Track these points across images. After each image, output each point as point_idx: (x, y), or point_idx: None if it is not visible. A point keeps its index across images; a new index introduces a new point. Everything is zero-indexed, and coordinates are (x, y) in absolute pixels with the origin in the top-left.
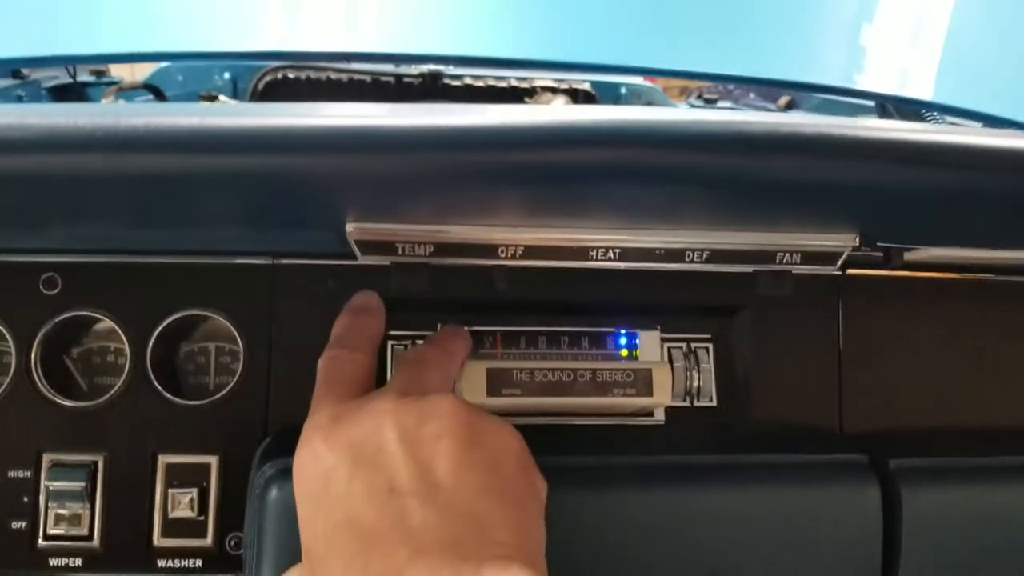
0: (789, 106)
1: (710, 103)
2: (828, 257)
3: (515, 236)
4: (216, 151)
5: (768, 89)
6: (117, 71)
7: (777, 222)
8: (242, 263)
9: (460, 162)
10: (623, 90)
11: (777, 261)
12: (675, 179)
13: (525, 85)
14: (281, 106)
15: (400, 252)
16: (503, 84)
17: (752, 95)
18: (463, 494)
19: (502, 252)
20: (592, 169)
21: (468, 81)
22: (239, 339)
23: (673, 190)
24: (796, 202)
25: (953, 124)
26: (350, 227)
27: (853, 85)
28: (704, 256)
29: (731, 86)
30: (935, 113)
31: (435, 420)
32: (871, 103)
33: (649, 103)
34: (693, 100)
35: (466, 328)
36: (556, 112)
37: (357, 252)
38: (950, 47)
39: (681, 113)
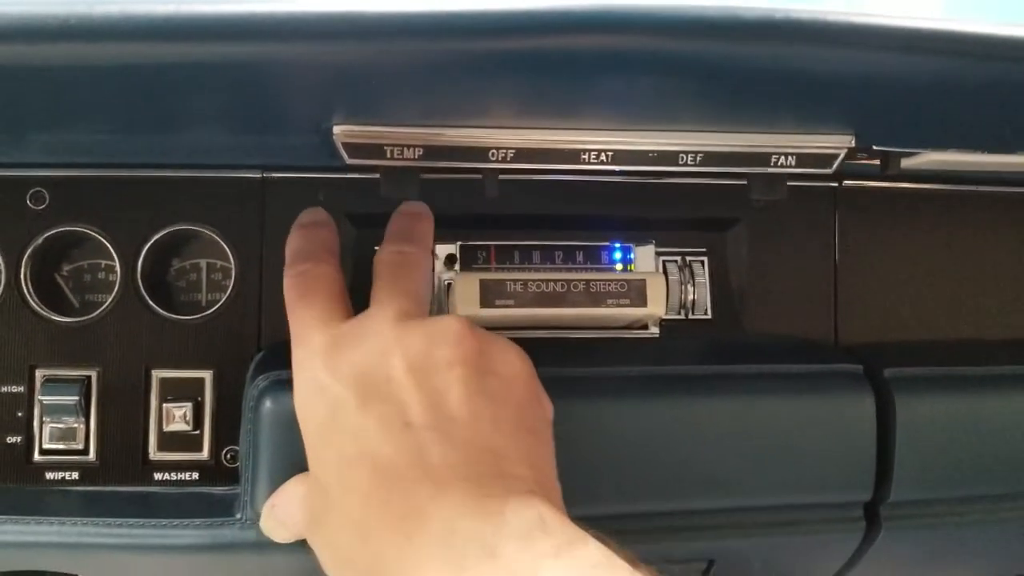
0: None
1: None
2: (824, 159)
3: (506, 137)
4: (195, 39)
5: None
6: None
7: (771, 121)
8: (231, 176)
9: (446, 49)
10: None
11: (772, 164)
12: (668, 67)
13: None
14: None
15: (389, 156)
16: None
17: None
18: (479, 427)
19: (493, 155)
20: (581, 56)
21: None
22: (230, 254)
23: (666, 80)
24: (791, 96)
25: None
26: (337, 129)
27: None
28: (698, 159)
29: None
30: None
31: (444, 347)
32: None
33: None
34: None
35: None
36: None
37: (345, 156)
38: None
39: None
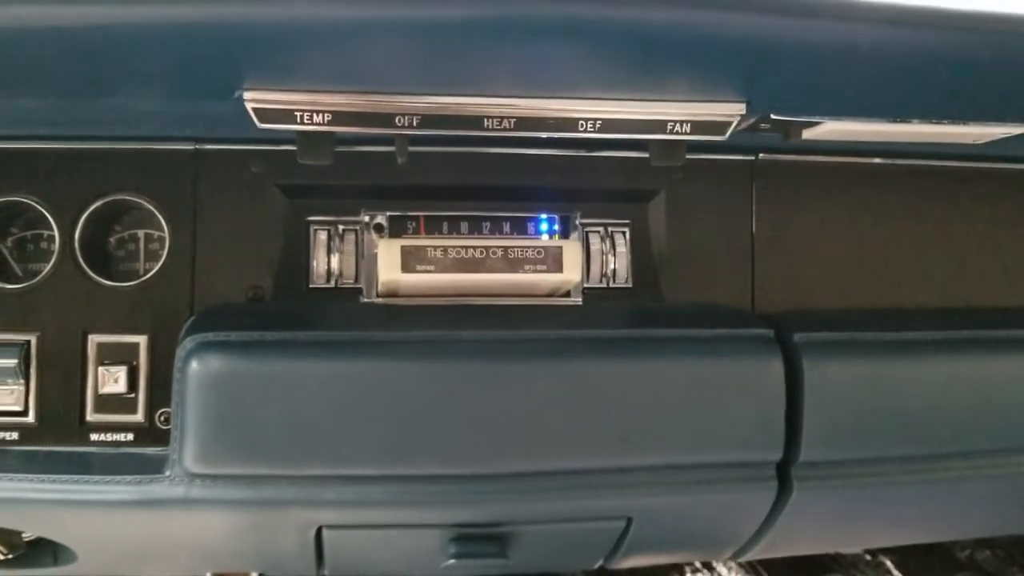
0: None
1: None
2: (717, 127)
3: (410, 102)
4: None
5: None
6: None
7: (666, 88)
8: (166, 148)
9: (352, 16)
10: None
11: (668, 131)
12: (567, 31)
13: None
14: None
15: (299, 120)
16: None
17: None
18: None
19: (399, 121)
20: (485, 22)
21: None
22: (163, 223)
23: (565, 45)
24: (682, 61)
25: None
26: (247, 95)
27: None
28: (597, 125)
29: None
30: None
31: None
32: None
33: None
34: None
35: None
36: None
37: (256, 120)
38: None
39: None
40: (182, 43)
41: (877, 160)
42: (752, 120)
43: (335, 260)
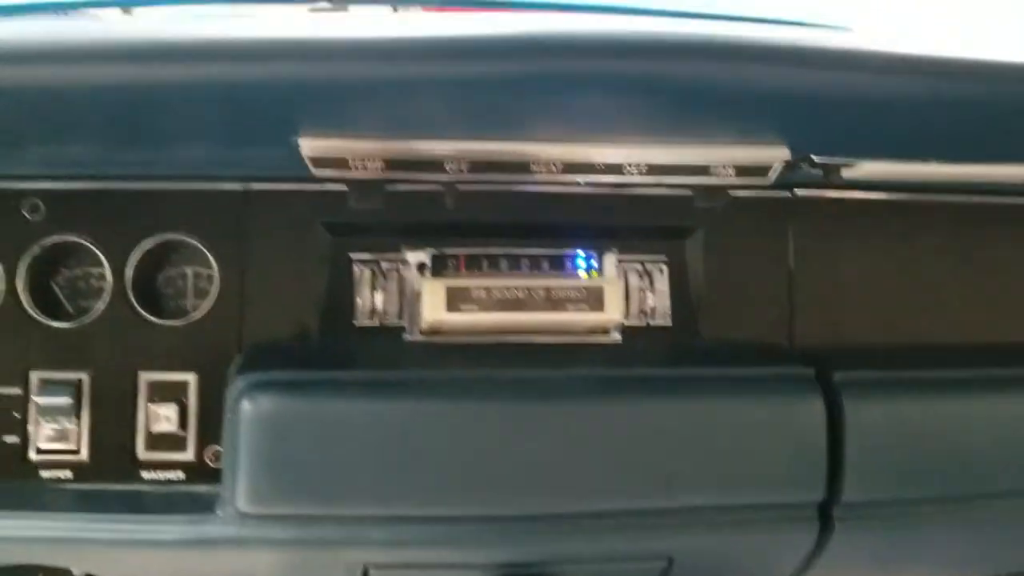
0: None
1: None
2: (760, 170)
3: (461, 149)
4: (173, 61)
5: None
6: None
7: (709, 134)
8: (215, 188)
9: (409, 74)
10: None
11: (712, 174)
12: (616, 86)
13: None
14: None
15: (352, 167)
16: None
17: None
18: None
19: (450, 167)
20: (537, 77)
21: None
22: (213, 262)
23: (613, 96)
24: (726, 110)
25: None
26: (303, 142)
27: None
28: (643, 169)
29: None
30: None
31: None
32: None
33: None
34: None
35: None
36: (484, 24)
37: (311, 167)
38: None
39: (608, 22)
40: (242, 99)
41: (916, 196)
42: (794, 162)
43: (379, 298)
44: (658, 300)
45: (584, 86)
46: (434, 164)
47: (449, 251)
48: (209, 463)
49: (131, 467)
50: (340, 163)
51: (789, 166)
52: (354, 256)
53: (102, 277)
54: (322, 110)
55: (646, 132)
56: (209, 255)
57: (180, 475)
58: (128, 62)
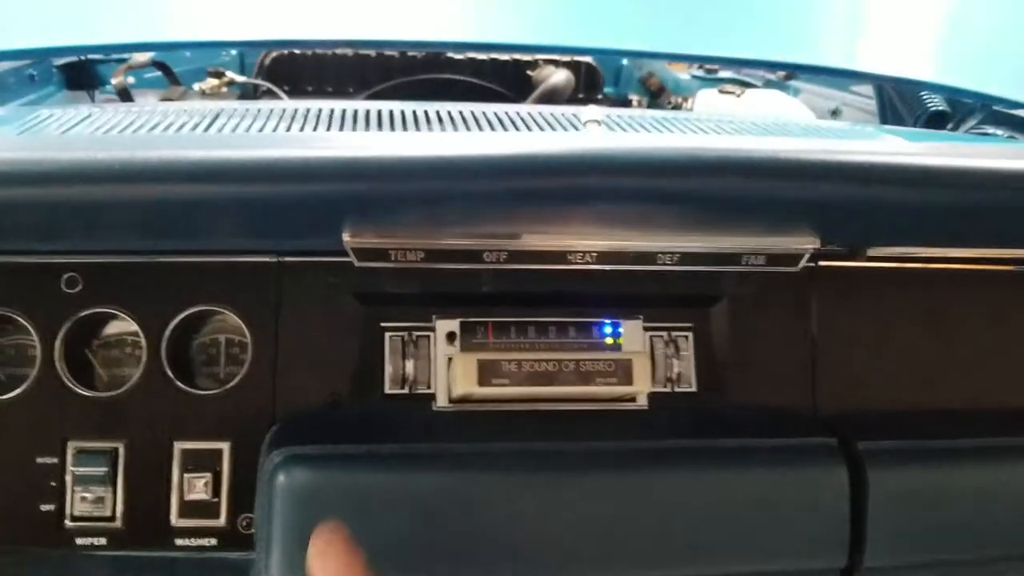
0: (788, 78)
1: (711, 72)
2: (790, 259)
3: (499, 243)
4: (221, 180)
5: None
6: None
7: (740, 229)
8: (249, 261)
9: (440, 189)
10: (624, 61)
11: (742, 263)
12: (645, 198)
13: (527, 58)
14: (280, 136)
15: (393, 259)
16: (505, 58)
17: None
18: None
19: (487, 257)
20: (556, 192)
21: (471, 55)
22: (247, 332)
23: (643, 207)
24: (754, 214)
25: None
26: (347, 237)
27: (853, 65)
28: (675, 259)
29: None
30: (932, 94)
31: None
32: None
33: (650, 73)
34: (695, 70)
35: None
36: (524, 142)
37: (354, 259)
38: (953, 26)
39: (647, 139)
40: (290, 209)
41: (937, 265)
42: (823, 250)
43: (409, 366)
44: (683, 366)
45: (624, 198)
46: (473, 255)
47: (477, 320)
48: (241, 530)
49: (164, 534)
50: (382, 255)
51: (817, 252)
52: (384, 325)
53: (137, 346)
54: (369, 214)
55: (682, 230)
56: (243, 324)
57: (213, 541)
58: (176, 182)
